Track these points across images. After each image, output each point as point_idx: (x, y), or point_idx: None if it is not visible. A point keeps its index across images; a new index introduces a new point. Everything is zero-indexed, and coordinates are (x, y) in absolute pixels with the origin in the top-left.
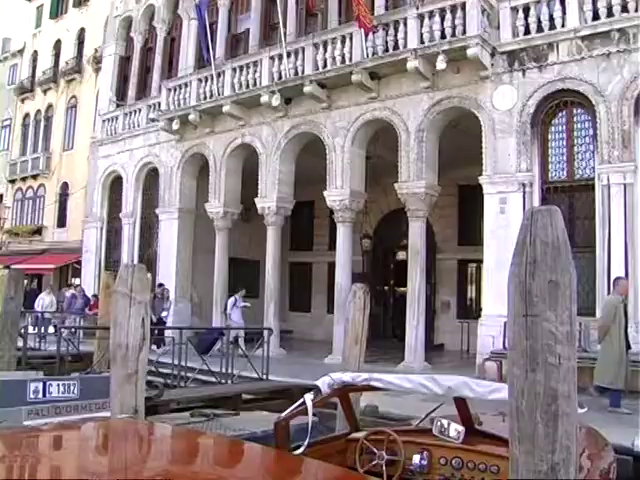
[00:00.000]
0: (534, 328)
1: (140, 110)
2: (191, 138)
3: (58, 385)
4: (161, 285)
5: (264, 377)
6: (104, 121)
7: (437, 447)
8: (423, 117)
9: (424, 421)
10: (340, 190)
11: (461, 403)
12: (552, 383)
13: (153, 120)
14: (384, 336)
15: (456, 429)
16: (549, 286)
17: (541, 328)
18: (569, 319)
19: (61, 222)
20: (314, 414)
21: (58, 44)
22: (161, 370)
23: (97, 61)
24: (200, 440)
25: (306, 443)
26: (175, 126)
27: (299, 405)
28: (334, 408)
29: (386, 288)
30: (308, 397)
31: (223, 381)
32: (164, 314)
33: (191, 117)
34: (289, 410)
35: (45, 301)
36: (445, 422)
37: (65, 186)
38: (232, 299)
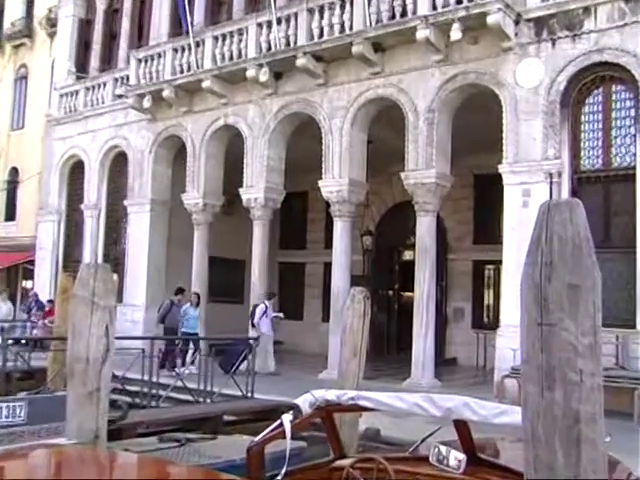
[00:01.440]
0: (551, 339)
1: (105, 84)
2: (165, 118)
3: (1, 408)
4: (181, 290)
5: (249, 395)
6: (61, 96)
7: (434, 478)
8: (434, 95)
9: (420, 447)
10: (338, 180)
11: (462, 427)
12: (573, 403)
13: (120, 96)
14: (387, 348)
15: (456, 457)
16: (568, 290)
17: (559, 339)
18: (592, 329)
19: (9, 215)
20: (302, 438)
21: (0, 1)
22: (128, 387)
23: (51, 24)
24: (168, 470)
25: (283, 472)
26: (146, 104)
27: (276, 427)
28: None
29: (390, 293)
30: (286, 418)
31: (201, 400)
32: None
33: (165, 93)
34: (264, 434)
35: (2, 310)
36: (444, 449)
37: (14, 172)
38: (261, 307)
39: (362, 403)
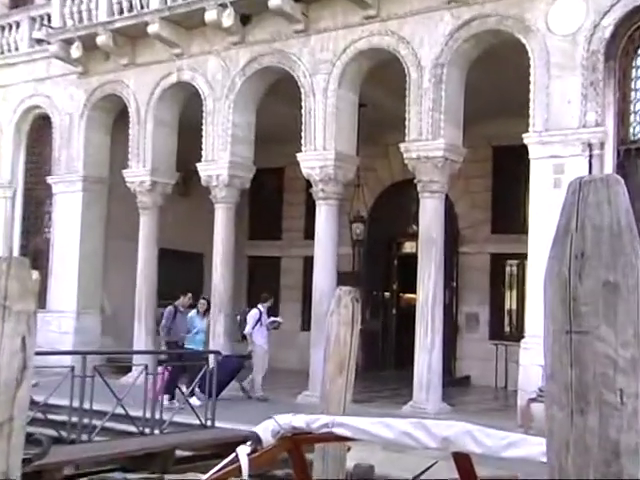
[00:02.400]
0: (583, 350)
1: (18, 25)
2: (101, 72)
3: None
4: (187, 293)
5: (208, 424)
6: None
7: None
8: (443, 46)
9: None
10: (321, 153)
11: (463, 461)
12: (611, 432)
13: (40, 42)
14: (383, 364)
15: None
16: (604, 290)
17: (593, 351)
18: (635, 339)
19: None
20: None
21: None
22: (52, 417)
23: None
24: None
25: None
26: (76, 53)
27: (229, 463)
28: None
29: (387, 294)
30: (242, 451)
31: (147, 431)
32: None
33: (100, 40)
34: (214, 471)
35: None
36: None
37: None
38: (254, 312)
39: (338, 431)
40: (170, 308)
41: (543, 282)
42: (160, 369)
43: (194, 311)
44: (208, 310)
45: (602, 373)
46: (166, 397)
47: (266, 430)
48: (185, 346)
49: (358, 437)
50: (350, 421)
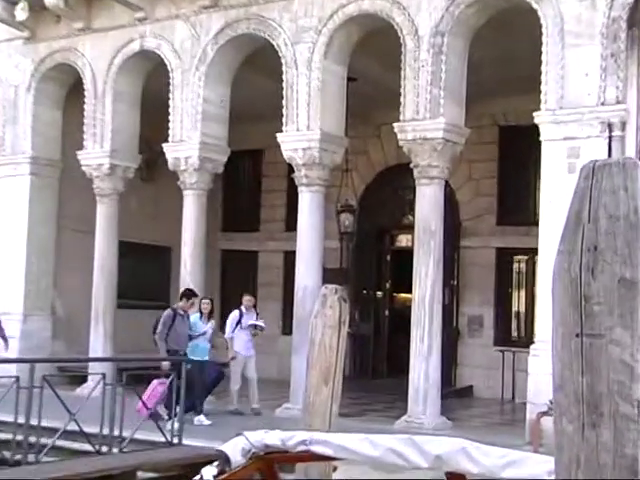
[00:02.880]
0: (595, 356)
1: None
2: (51, 37)
3: None
4: (190, 294)
5: (175, 442)
6: None
7: None
8: (443, 11)
9: None
10: (305, 133)
11: None
12: (627, 447)
13: None
14: (374, 372)
15: None
16: (619, 287)
17: (607, 356)
18: None
19: None
20: None
21: None
22: None
23: None
24: None
25: None
26: (21, 15)
27: None
28: None
29: (379, 294)
30: (208, 472)
31: (105, 449)
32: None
33: (50, 0)
34: None
35: None
36: None
37: None
38: (234, 314)
39: (317, 449)
40: (168, 312)
41: (552, 279)
42: (156, 382)
43: (196, 314)
44: (212, 312)
45: (617, 381)
46: (167, 412)
47: (235, 448)
48: (189, 356)
49: (339, 456)
50: (330, 438)
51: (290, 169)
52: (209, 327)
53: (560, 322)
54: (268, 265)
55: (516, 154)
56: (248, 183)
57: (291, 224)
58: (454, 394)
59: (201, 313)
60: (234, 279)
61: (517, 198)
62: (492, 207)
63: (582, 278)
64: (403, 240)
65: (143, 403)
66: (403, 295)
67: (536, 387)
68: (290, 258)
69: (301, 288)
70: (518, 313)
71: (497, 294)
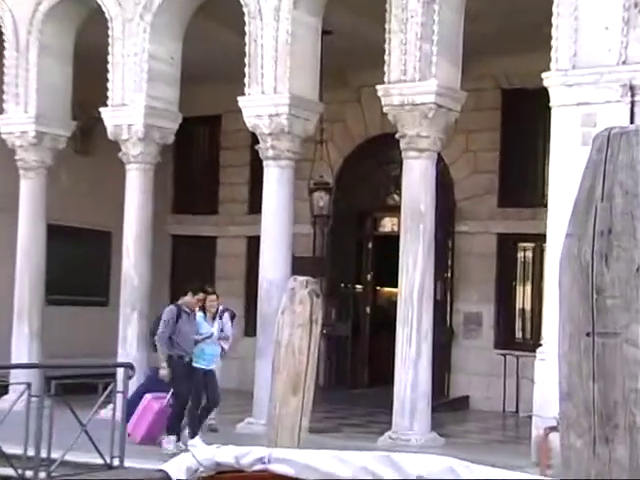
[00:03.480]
0: (608, 358)
1: None
2: None
3: None
4: (201, 290)
5: (115, 463)
6: None
7: None
8: None
9: None
10: (272, 96)
11: None
12: None
13: None
14: (353, 379)
15: None
16: (637, 277)
17: (622, 358)
18: None
19: None
20: None
21: None
22: None
23: None
24: None
25: None
26: None
27: None
28: None
29: (359, 287)
30: None
31: (30, 474)
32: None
33: None
34: None
35: None
36: None
37: None
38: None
39: (277, 468)
40: (171, 308)
41: (558, 269)
42: (149, 397)
43: (200, 313)
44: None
45: (634, 388)
46: (170, 439)
47: (180, 468)
48: (193, 364)
49: (303, 476)
50: (293, 455)
51: (254, 139)
52: (228, 329)
53: (568, 319)
54: (228, 254)
55: (521, 122)
56: (204, 156)
57: (255, 205)
58: (447, 406)
59: (204, 311)
60: (187, 271)
61: (523, 175)
62: (493, 185)
63: (594, 267)
64: (388, 224)
65: (136, 424)
66: (388, 289)
67: (544, 398)
68: (254, 245)
69: (267, 281)
70: (523, 310)
71: (498, 288)
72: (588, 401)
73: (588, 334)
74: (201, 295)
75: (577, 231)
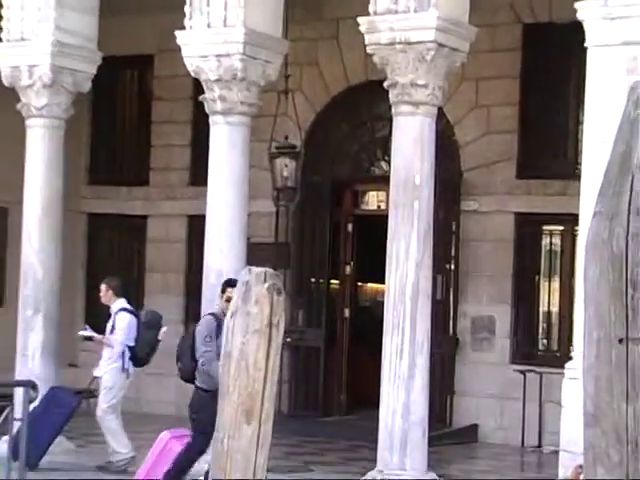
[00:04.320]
0: None
1: None
2: None
3: None
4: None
5: None
6: None
7: None
8: None
9: None
10: (220, 30)
11: None
12: None
13: None
14: (327, 405)
15: None
16: None
17: None
18: None
19: None
20: None
21: None
22: None
23: None
24: None
25: None
26: None
27: None
28: None
29: (334, 283)
30: None
31: None
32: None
33: None
34: None
35: None
36: None
37: None
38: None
39: None
40: (209, 319)
41: (584, 256)
42: (168, 435)
43: (210, 317)
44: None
45: None
46: None
47: None
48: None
49: None
50: None
51: (197, 88)
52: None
53: (595, 322)
54: (162, 238)
55: (548, 68)
56: (131, 110)
57: (198, 175)
58: (449, 438)
59: (215, 320)
60: (108, 261)
61: (549, 137)
62: (511, 150)
63: (628, 254)
64: (372, 200)
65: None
66: (372, 285)
67: (574, 427)
68: (197, 227)
69: (213, 273)
70: (549, 313)
71: (517, 285)
72: (620, 427)
73: (621, 341)
74: (229, 291)
75: (607, 208)
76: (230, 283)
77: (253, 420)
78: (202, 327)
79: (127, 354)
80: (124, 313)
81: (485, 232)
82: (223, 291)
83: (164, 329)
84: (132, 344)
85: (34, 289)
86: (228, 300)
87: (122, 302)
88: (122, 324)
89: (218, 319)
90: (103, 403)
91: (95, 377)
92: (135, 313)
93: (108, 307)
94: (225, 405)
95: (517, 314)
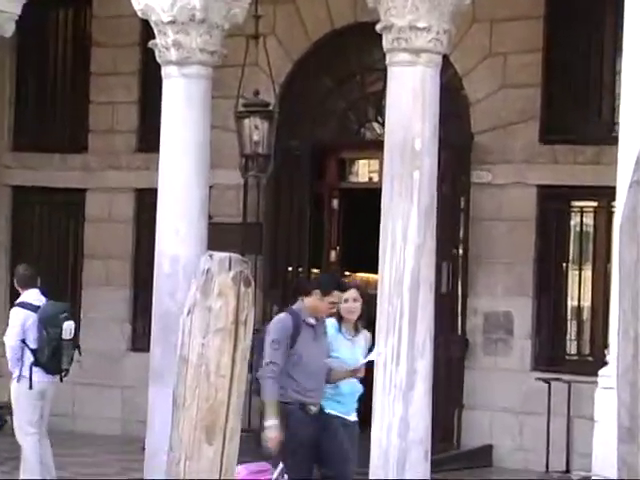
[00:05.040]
0: None
1: None
2: None
3: None
4: (333, 280)
5: None
6: None
7: None
8: None
9: None
10: None
11: None
12: None
13: None
14: None
15: None
16: None
17: None
18: None
19: None
20: None
21: None
22: None
23: None
24: None
25: None
26: None
27: None
28: None
29: (316, 271)
30: None
31: None
32: None
33: None
34: None
35: None
36: None
37: None
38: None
39: None
40: (283, 318)
41: (619, 236)
42: (243, 470)
43: (334, 324)
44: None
45: None
46: None
47: None
48: (326, 411)
49: None
50: None
51: (146, 32)
52: (357, 350)
53: (632, 317)
54: (104, 217)
55: (579, 6)
56: (64, 59)
57: (149, 139)
58: (458, 460)
59: (340, 321)
60: (36, 244)
61: (580, 92)
62: (532, 108)
63: None
64: (363, 171)
65: None
66: (362, 275)
67: (609, 447)
68: (147, 203)
69: (167, 260)
70: (579, 309)
71: (539, 273)
72: None
73: None
74: (335, 294)
75: None
76: (338, 283)
77: (215, 438)
78: (277, 328)
79: (29, 359)
80: (17, 309)
81: (501, 209)
82: (327, 289)
83: (68, 324)
84: (34, 347)
85: None
86: (331, 304)
87: (30, 295)
88: (14, 322)
89: (297, 319)
90: (14, 422)
91: None
92: (34, 308)
93: None
94: (181, 421)
95: (540, 309)
